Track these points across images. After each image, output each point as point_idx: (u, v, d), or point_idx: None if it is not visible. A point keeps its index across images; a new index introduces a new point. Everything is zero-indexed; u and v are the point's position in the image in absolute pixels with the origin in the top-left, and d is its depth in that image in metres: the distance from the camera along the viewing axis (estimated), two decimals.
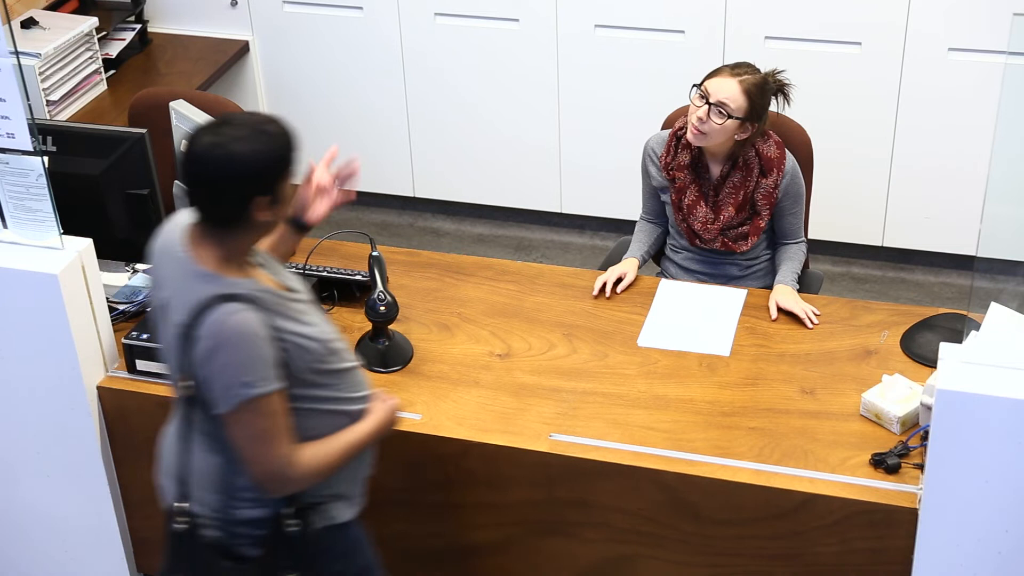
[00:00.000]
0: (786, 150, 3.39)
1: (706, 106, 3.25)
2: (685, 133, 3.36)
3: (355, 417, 2.60)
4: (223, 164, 2.36)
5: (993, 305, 2.76)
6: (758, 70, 3.31)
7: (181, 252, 2.46)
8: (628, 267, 3.43)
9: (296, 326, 2.47)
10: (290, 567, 2.56)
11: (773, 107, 3.35)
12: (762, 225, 3.41)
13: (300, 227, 2.75)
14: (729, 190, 3.37)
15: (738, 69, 3.29)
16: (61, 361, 3.08)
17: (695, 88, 3.29)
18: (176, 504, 2.55)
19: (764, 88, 3.28)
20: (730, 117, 3.24)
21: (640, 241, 3.55)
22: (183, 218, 2.52)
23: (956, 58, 4.38)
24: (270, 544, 2.54)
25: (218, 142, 2.37)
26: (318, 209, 2.72)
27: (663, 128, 3.61)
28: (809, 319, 3.23)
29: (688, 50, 4.58)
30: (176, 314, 2.43)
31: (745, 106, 3.25)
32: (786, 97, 3.34)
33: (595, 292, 3.36)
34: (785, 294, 3.31)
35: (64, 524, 3.34)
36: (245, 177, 2.38)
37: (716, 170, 3.39)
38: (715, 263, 3.50)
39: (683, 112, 3.50)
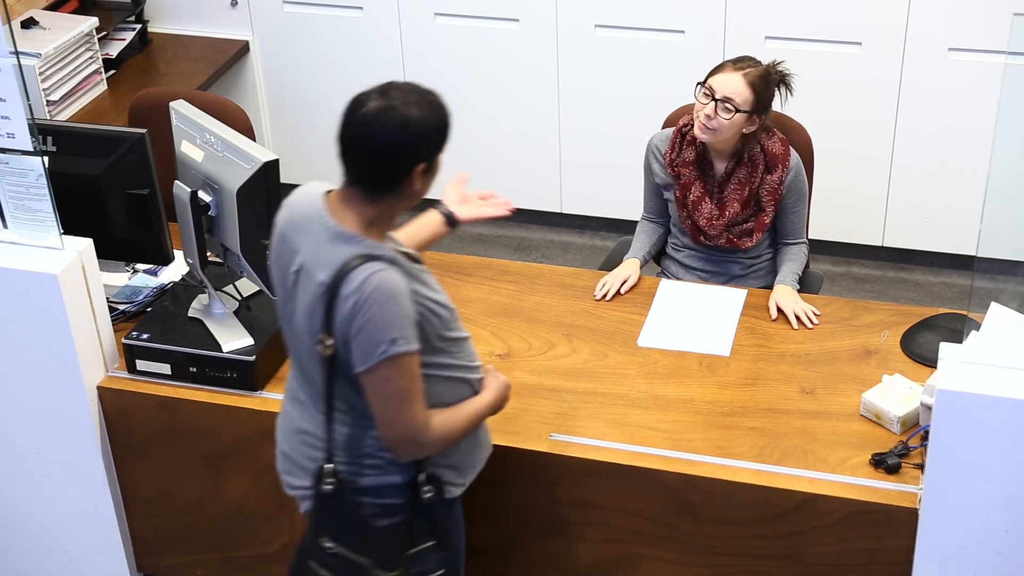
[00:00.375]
0: (790, 147, 3.39)
1: (712, 103, 3.25)
2: (690, 129, 3.36)
3: (474, 385, 2.64)
4: (396, 127, 2.40)
5: (993, 305, 2.76)
6: (760, 62, 3.32)
7: (322, 216, 2.48)
8: (631, 268, 3.43)
9: (428, 291, 2.52)
10: (427, 534, 2.61)
11: (777, 100, 3.35)
12: (767, 221, 3.41)
13: (452, 222, 2.85)
14: (734, 186, 3.38)
15: (741, 63, 3.30)
16: (61, 361, 3.08)
17: (699, 86, 3.30)
18: (324, 465, 2.57)
19: (768, 79, 3.29)
20: (737, 111, 3.25)
21: (642, 241, 3.55)
22: (311, 189, 2.56)
23: (956, 58, 4.38)
24: (407, 511, 2.58)
25: (391, 106, 2.40)
26: (474, 212, 2.87)
27: (664, 127, 3.61)
28: (808, 320, 3.23)
29: (688, 50, 4.58)
30: (318, 274, 2.45)
31: (751, 99, 3.25)
32: (788, 87, 3.34)
33: (597, 296, 3.36)
34: (785, 294, 3.31)
35: (64, 524, 3.34)
36: (415, 142, 2.42)
37: (721, 166, 3.39)
38: (717, 261, 3.50)
39: (685, 111, 3.51)
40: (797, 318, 3.24)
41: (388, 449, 2.52)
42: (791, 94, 3.35)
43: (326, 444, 2.56)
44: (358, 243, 2.44)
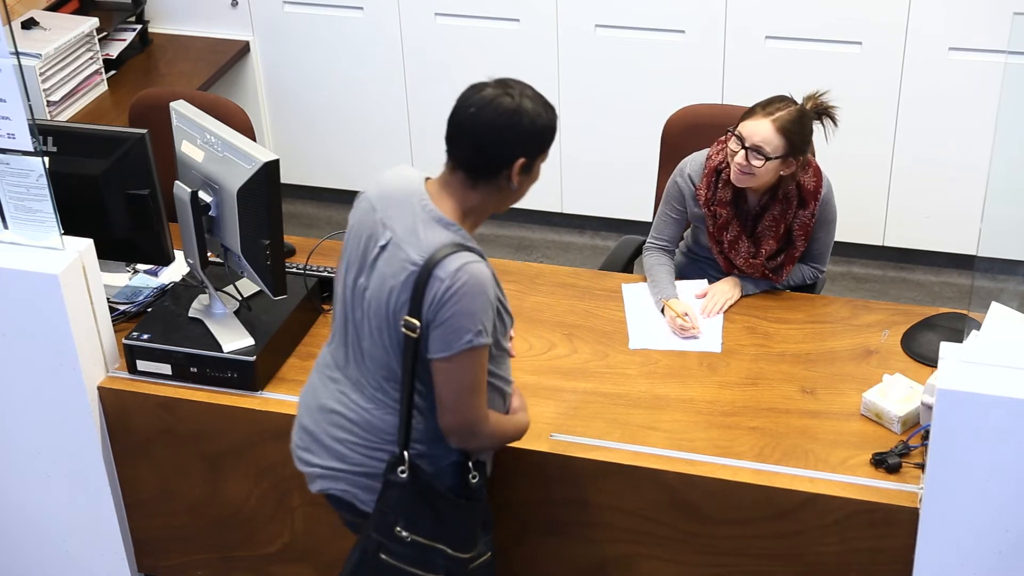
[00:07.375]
0: (823, 176, 3.29)
1: (743, 151, 3.13)
2: (726, 167, 3.23)
3: (506, 400, 2.68)
4: (510, 114, 2.48)
5: (994, 304, 2.77)
6: (794, 102, 3.17)
7: (422, 198, 2.52)
8: (682, 304, 3.27)
9: (502, 296, 2.56)
10: (480, 517, 2.67)
11: (819, 133, 3.22)
12: (796, 256, 3.33)
13: None
14: (768, 223, 3.27)
15: (771, 107, 3.15)
16: (61, 361, 3.09)
17: (730, 132, 3.16)
18: (399, 453, 2.58)
19: (802, 120, 3.15)
20: (768, 159, 3.11)
21: (668, 283, 3.33)
22: (406, 170, 2.61)
23: (956, 58, 4.38)
24: (468, 495, 2.62)
25: (509, 93, 2.50)
26: None
27: (662, 132, 3.59)
28: (701, 315, 3.23)
29: (688, 50, 4.58)
30: (411, 253, 2.47)
31: (783, 145, 3.11)
32: (832, 119, 3.21)
33: (689, 330, 3.21)
34: (723, 285, 3.30)
35: (64, 524, 3.34)
36: (524, 132, 2.48)
37: (754, 200, 3.29)
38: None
39: (681, 114, 3.49)
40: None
41: (445, 434, 2.55)
42: (836, 125, 3.22)
43: (401, 432, 2.57)
44: (455, 231, 2.49)
